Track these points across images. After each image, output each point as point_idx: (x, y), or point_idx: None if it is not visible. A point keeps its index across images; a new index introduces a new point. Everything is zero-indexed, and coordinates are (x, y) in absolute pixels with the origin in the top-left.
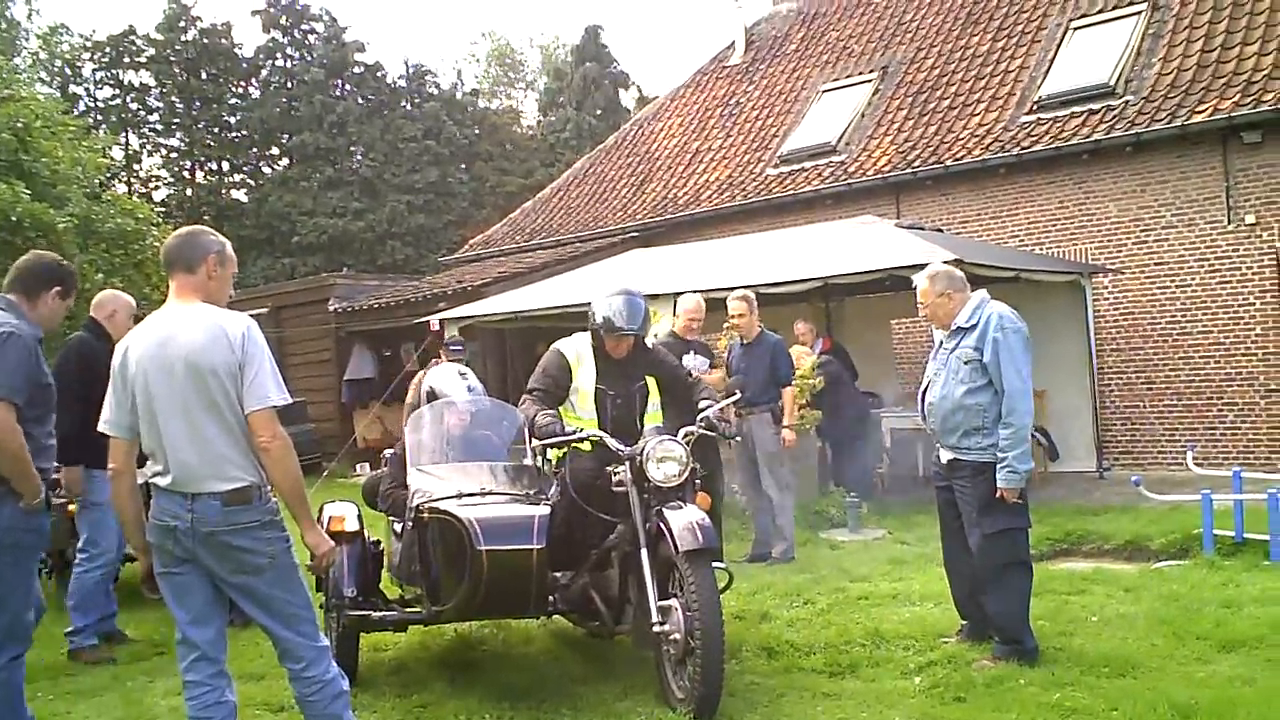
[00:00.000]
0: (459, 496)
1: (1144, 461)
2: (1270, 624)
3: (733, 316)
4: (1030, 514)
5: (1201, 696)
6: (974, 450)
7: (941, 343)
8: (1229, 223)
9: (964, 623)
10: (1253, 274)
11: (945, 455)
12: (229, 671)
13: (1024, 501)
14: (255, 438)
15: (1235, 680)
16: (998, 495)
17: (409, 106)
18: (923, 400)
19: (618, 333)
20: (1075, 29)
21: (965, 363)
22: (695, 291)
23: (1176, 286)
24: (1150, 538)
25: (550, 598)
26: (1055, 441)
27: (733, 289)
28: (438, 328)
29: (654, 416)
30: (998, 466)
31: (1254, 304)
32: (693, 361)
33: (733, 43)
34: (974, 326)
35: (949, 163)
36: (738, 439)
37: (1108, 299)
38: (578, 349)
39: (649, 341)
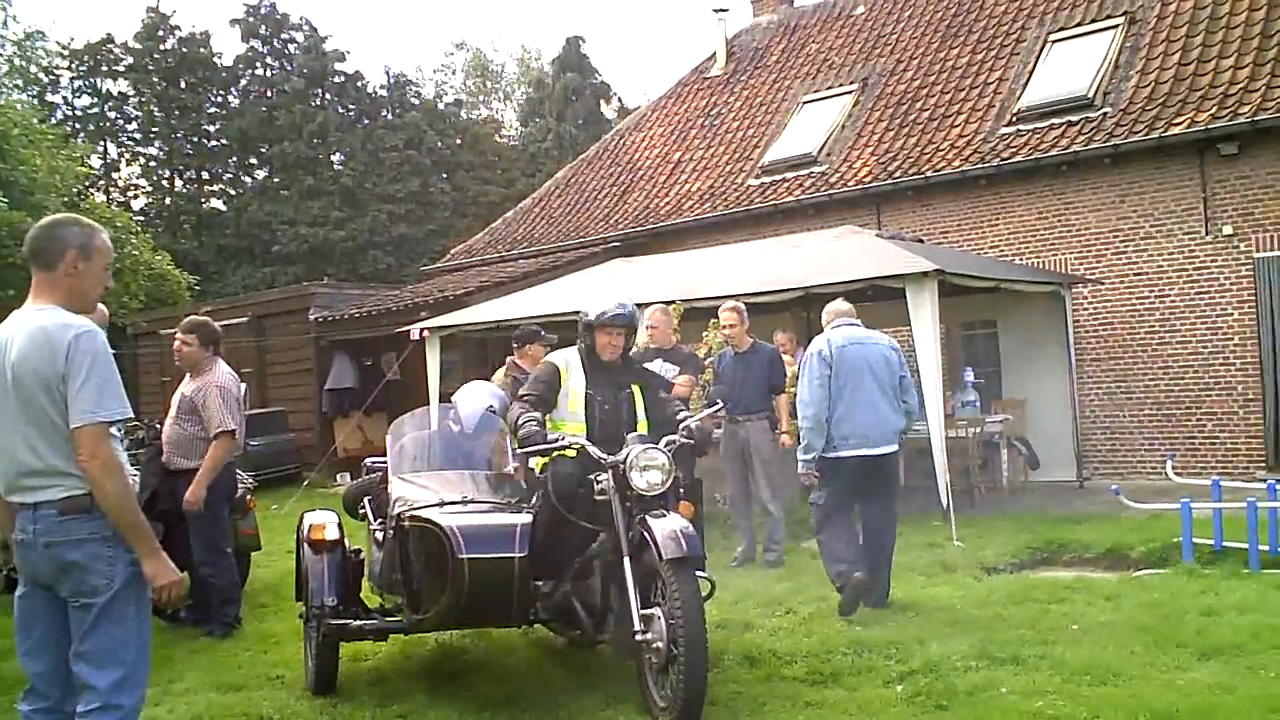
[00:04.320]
0: (441, 505)
1: (1124, 471)
2: (1250, 631)
3: (724, 327)
4: (832, 490)
5: (1182, 704)
6: None
7: None
8: (1206, 233)
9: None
10: (1230, 284)
11: None
12: (67, 713)
13: (827, 485)
14: (76, 455)
15: (1215, 688)
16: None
17: (390, 116)
18: None
19: (619, 321)
20: (1053, 42)
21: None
22: (670, 302)
23: (1155, 296)
24: (1130, 546)
25: (532, 607)
26: (1035, 451)
27: (713, 299)
28: (419, 337)
29: (642, 426)
30: None
31: (1232, 314)
32: (661, 368)
33: (714, 54)
34: None
35: (929, 174)
36: (715, 446)
37: (1087, 309)
38: (567, 358)
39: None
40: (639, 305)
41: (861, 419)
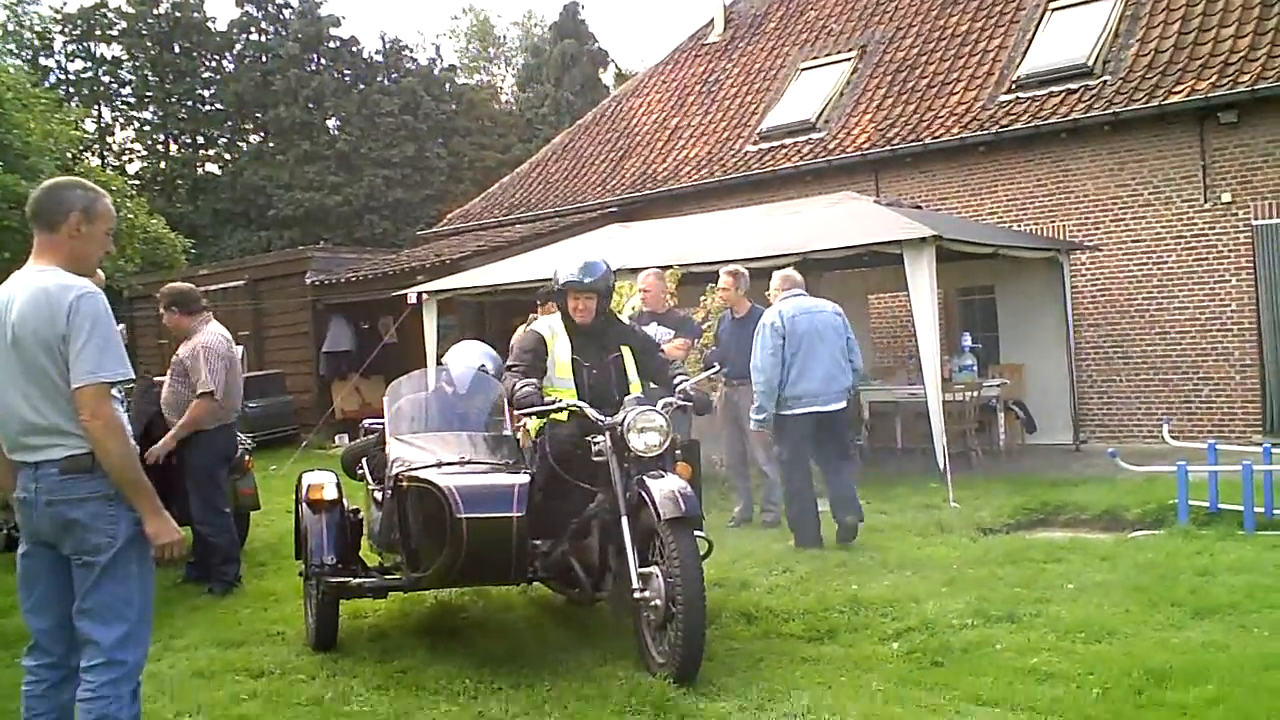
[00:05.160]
0: (439, 465)
1: (1120, 434)
2: (1244, 591)
3: (720, 290)
4: (792, 445)
5: (1175, 661)
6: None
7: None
8: (1205, 201)
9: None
10: (1228, 251)
11: None
12: (71, 669)
13: (786, 441)
14: (78, 415)
15: (1209, 646)
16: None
17: (385, 81)
18: None
19: (575, 287)
20: (1053, 10)
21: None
22: (666, 267)
23: (1154, 263)
24: (1126, 508)
25: (530, 565)
26: (1033, 414)
27: (710, 264)
28: (415, 301)
29: (635, 388)
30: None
31: (1229, 280)
32: (656, 332)
33: (711, 20)
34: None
35: (928, 141)
36: (713, 413)
37: (1086, 275)
38: (551, 325)
39: (624, 316)
40: (633, 270)
41: (813, 380)
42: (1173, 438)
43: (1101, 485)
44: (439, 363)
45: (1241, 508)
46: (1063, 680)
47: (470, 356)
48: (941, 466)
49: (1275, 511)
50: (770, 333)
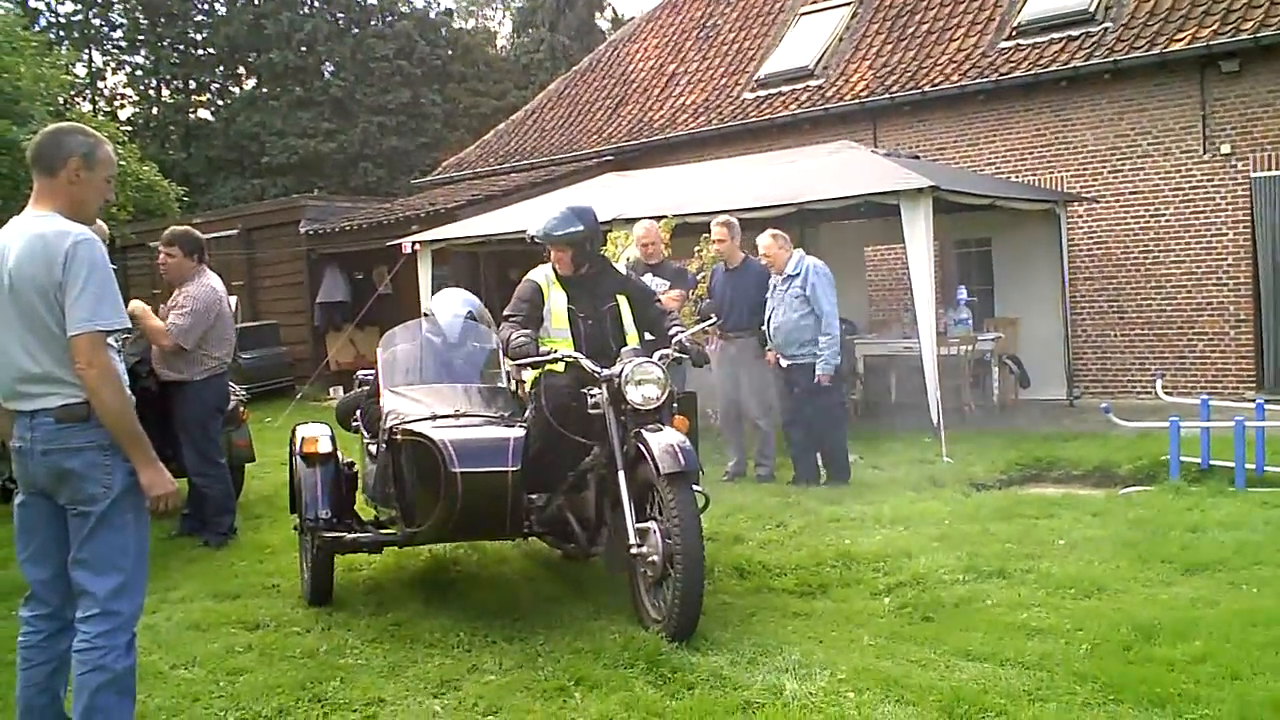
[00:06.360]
0: (433, 418)
1: (1114, 389)
2: (1234, 548)
3: (714, 242)
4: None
5: (1164, 617)
6: (803, 356)
7: (777, 285)
8: (1204, 152)
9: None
10: (1226, 204)
11: (784, 361)
12: (68, 620)
13: (835, 385)
14: (73, 363)
15: (1198, 602)
16: (815, 380)
17: (380, 25)
18: (767, 324)
19: (545, 240)
20: None
21: (795, 298)
22: (660, 217)
23: (1151, 216)
24: (1118, 464)
25: (526, 520)
26: (1026, 369)
27: (706, 214)
28: (410, 251)
29: (631, 338)
30: (818, 362)
31: (1227, 234)
32: (651, 283)
33: None
34: (798, 274)
35: (927, 89)
36: (708, 366)
37: (1082, 228)
38: (547, 274)
39: (620, 266)
40: (629, 220)
41: None
42: (1166, 393)
43: (1094, 441)
44: (423, 313)
45: (1233, 464)
46: (1052, 636)
47: (455, 304)
48: (935, 421)
49: (1266, 468)
50: (831, 286)
